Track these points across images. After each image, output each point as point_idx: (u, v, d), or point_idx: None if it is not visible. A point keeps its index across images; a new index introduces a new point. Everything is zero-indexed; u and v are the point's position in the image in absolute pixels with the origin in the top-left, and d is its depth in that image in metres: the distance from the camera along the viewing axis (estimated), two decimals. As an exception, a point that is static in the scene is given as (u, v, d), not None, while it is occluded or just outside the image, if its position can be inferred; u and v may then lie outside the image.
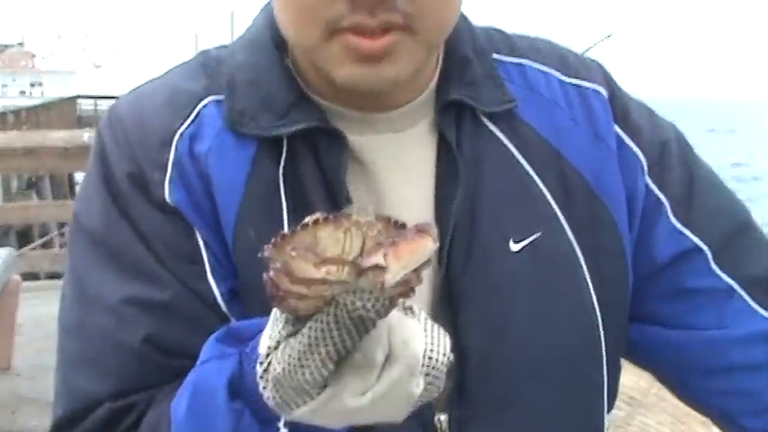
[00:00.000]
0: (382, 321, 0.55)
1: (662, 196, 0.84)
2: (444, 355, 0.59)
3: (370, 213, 0.50)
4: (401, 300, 0.55)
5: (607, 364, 0.83)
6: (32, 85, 52.74)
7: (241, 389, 0.63)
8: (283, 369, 0.55)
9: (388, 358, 0.56)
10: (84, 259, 0.75)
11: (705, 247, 0.83)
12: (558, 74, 0.85)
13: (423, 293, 0.75)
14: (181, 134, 0.74)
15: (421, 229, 0.51)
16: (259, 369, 0.57)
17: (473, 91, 0.79)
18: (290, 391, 0.56)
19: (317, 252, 0.49)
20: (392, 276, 0.49)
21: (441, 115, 0.78)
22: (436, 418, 0.75)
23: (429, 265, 0.52)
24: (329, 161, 0.74)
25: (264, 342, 0.57)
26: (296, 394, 0.56)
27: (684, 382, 0.87)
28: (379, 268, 0.49)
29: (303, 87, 0.77)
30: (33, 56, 55.61)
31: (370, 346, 0.55)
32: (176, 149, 0.74)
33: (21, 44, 58.89)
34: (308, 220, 0.50)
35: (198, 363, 0.66)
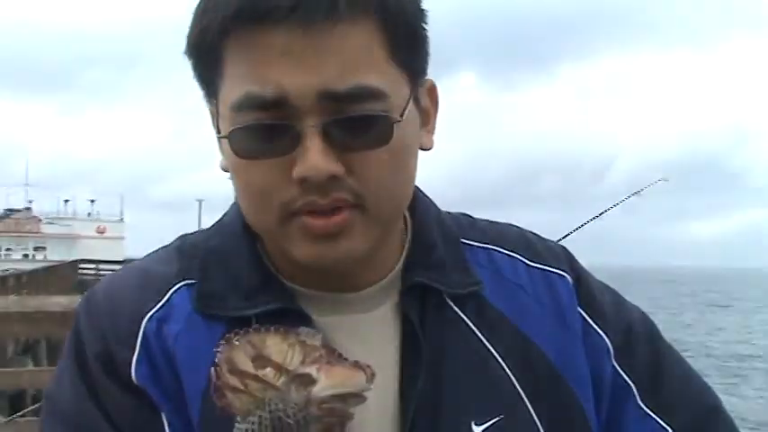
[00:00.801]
0: None
1: (629, 381, 0.86)
2: None
3: (318, 339, 0.55)
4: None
5: None
6: (36, 249, 53.35)
7: None
8: None
9: None
10: None
11: (670, 430, 0.84)
12: (524, 259, 0.89)
13: None
14: (150, 317, 0.78)
15: (358, 365, 0.55)
16: None
17: (438, 274, 0.83)
18: None
19: (261, 353, 0.53)
20: (319, 389, 0.52)
21: (405, 297, 0.81)
22: None
23: (360, 401, 0.56)
24: None
25: None
26: None
27: None
28: (310, 379, 0.52)
29: (272, 270, 0.81)
30: (39, 221, 56.58)
31: None
32: (144, 331, 0.77)
33: (28, 209, 60.06)
34: (261, 327, 0.55)
35: None
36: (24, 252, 53.13)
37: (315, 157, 0.69)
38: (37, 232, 55.42)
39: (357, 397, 0.55)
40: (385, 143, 0.72)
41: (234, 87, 0.72)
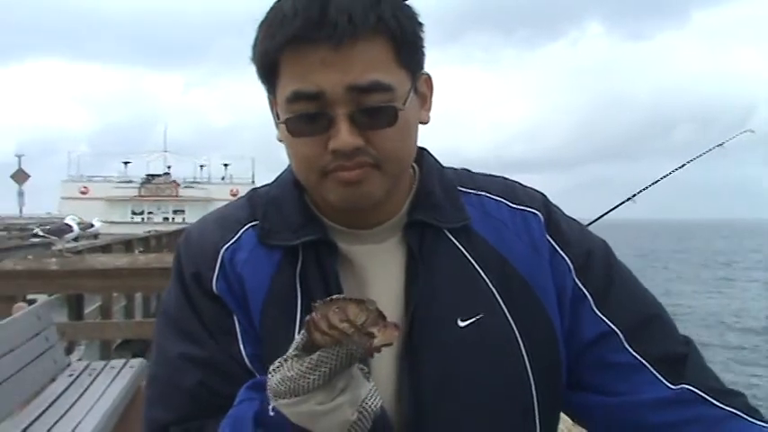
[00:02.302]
0: (353, 368, 0.87)
1: (586, 291, 1.11)
2: (374, 406, 0.90)
3: (375, 305, 0.85)
4: (366, 371, 0.91)
5: (540, 419, 1.08)
6: (175, 212, 56.13)
7: (262, 421, 0.92)
8: (294, 373, 0.86)
9: (344, 390, 0.87)
10: (161, 329, 1.12)
11: (618, 331, 1.09)
12: (507, 202, 1.17)
13: (392, 352, 1.04)
14: (226, 248, 1.11)
15: (396, 326, 0.86)
16: (270, 369, 0.89)
17: (435, 212, 1.12)
18: (287, 388, 0.86)
19: (345, 314, 0.84)
20: (376, 341, 0.85)
21: (407, 230, 1.11)
22: None
23: (393, 342, 0.86)
24: (328, 269, 1.07)
25: (278, 360, 0.89)
26: (287, 391, 0.86)
27: None
28: (373, 335, 0.85)
29: (314, 212, 1.13)
30: (178, 185, 59.26)
31: (340, 378, 0.87)
32: (222, 258, 1.10)
33: (167, 174, 62.99)
34: (342, 296, 0.86)
35: (235, 402, 0.97)
36: (165, 215, 55.99)
37: (344, 136, 0.99)
38: (176, 196, 57.93)
39: (391, 344, 0.87)
40: (393, 125, 1.02)
41: (287, 87, 1.02)
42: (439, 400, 1.04)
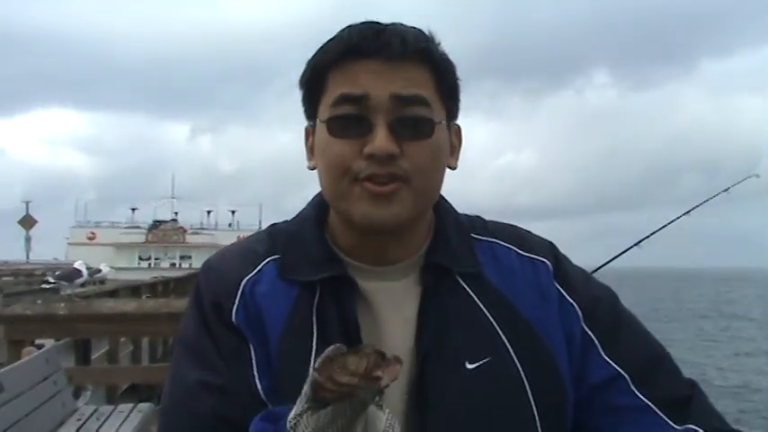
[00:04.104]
0: (369, 408, 0.90)
1: (593, 337, 1.14)
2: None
3: (372, 349, 0.88)
4: (377, 400, 0.93)
5: None
6: (182, 257, 56.19)
7: None
8: (311, 430, 0.87)
9: (364, 429, 0.90)
10: (177, 357, 1.14)
11: (626, 375, 1.12)
12: (517, 249, 1.21)
13: (402, 390, 1.07)
14: (247, 281, 1.13)
15: (396, 358, 0.89)
16: (288, 425, 0.90)
17: (451, 258, 1.15)
18: None
19: (346, 368, 0.86)
20: (383, 382, 0.87)
21: (424, 272, 1.15)
22: None
23: (398, 376, 0.88)
24: (346, 305, 1.10)
25: (293, 413, 0.90)
26: None
27: None
28: (378, 378, 0.87)
29: (333, 249, 1.16)
30: (185, 231, 59.48)
31: (357, 423, 0.89)
32: (242, 290, 1.12)
33: (174, 220, 63.33)
34: (337, 349, 0.88)
35: None
36: (172, 261, 56.05)
37: (381, 141, 1.03)
38: (183, 242, 58.20)
39: (397, 376, 0.89)
40: (429, 137, 1.07)
41: (333, 92, 1.07)
42: None
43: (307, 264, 1.14)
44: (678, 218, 3.37)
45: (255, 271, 1.14)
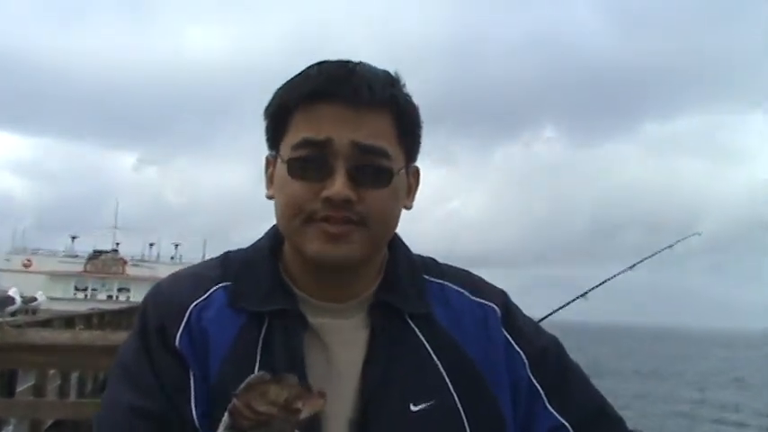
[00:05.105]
0: None
1: (539, 387, 1.16)
2: None
3: (295, 380, 0.87)
4: None
5: None
6: (120, 290, 55.13)
7: None
8: None
9: None
10: (114, 379, 1.11)
11: (568, 425, 1.15)
12: (468, 294, 1.22)
13: (345, 428, 1.07)
14: (195, 306, 1.11)
15: (321, 393, 0.88)
16: None
17: (400, 297, 1.16)
18: None
19: (266, 396, 0.85)
20: (303, 414, 0.86)
21: (373, 311, 1.15)
22: None
23: (321, 409, 0.87)
24: (294, 339, 1.09)
25: None
26: None
27: None
28: (298, 410, 0.86)
29: (286, 281, 1.14)
30: (125, 263, 58.39)
31: None
32: (189, 315, 1.10)
33: (115, 251, 62.11)
34: (260, 377, 0.86)
35: None
36: (109, 293, 54.97)
37: (339, 187, 1.05)
38: (122, 273, 57.20)
39: (320, 411, 0.89)
40: (386, 185, 1.09)
41: (296, 134, 1.08)
42: None
43: (257, 293, 1.13)
44: (624, 271, 3.43)
45: (205, 297, 1.13)
